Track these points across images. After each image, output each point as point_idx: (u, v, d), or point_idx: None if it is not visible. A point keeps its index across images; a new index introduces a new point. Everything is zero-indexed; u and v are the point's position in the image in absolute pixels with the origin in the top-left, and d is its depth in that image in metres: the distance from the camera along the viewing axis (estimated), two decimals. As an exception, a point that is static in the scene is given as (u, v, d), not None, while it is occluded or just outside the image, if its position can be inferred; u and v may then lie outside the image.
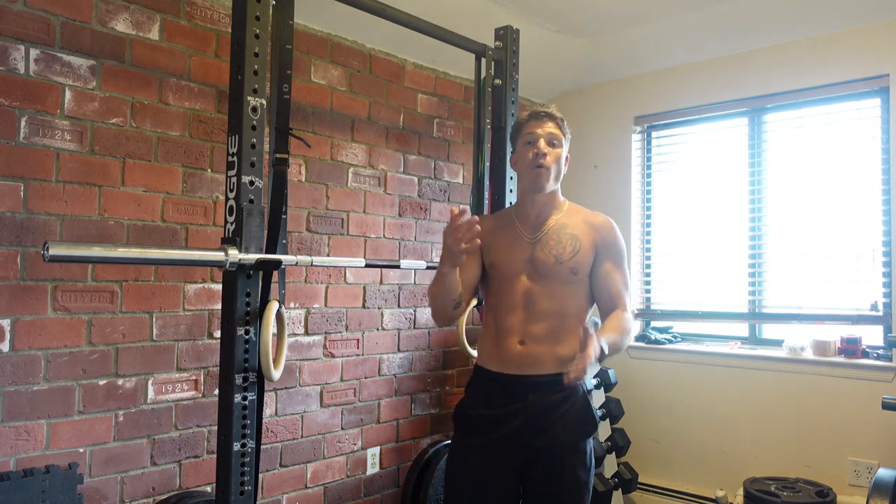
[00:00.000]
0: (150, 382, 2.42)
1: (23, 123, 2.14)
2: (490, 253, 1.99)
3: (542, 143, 1.92)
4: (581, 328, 1.66)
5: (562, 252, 1.92)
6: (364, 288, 3.14)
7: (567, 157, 2.01)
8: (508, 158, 2.09)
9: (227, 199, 1.89)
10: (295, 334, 2.86)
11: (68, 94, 2.24)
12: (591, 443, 1.95)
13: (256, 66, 1.87)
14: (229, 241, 1.85)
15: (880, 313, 3.07)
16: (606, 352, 1.69)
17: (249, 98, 1.86)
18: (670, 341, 3.71)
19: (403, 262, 2.54)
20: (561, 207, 2.02)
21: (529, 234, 1.98)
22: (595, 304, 2.00)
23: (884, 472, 2.58)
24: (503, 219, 2.08)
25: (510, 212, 2.10)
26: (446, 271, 1.82)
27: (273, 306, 1.91)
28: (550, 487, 1.88)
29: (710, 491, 3.40)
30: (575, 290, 1.94)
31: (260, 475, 2.54)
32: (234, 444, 1.83)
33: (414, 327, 3.37)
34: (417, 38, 2.60)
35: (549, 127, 1.94)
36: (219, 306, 2.47)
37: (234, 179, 1.86)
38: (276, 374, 1.93)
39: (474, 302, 2.52)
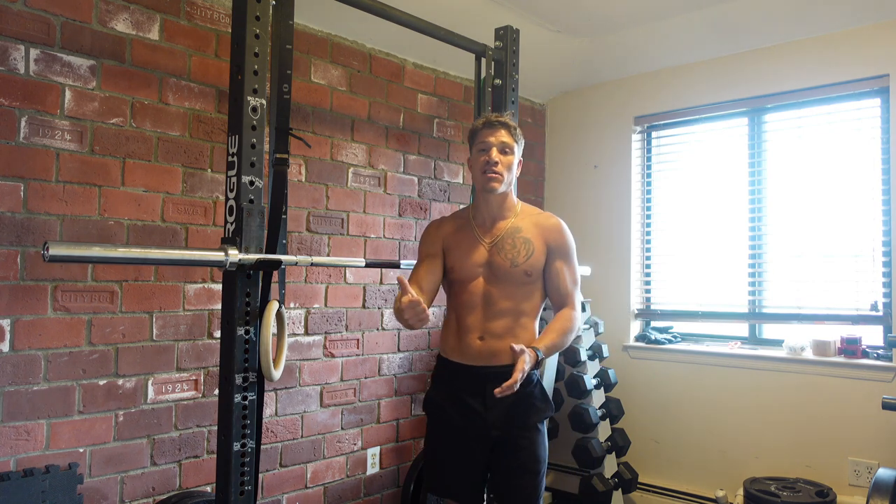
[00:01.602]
0: (150, 382, 2.42)
1: (23, 123, 2.14)
2: (450, 258, 2.14)
3: (493, 151, 2.06)
4: (510, 348, 1.87)
5: (516, 256, 2.07)
6: (364, 288, 3.14)
7: (520, 162, 2.15)
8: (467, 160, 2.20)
9: (227, 199, 1.89)
10: (295, 334, 2.86)
11: (68, 94, 2.24)
12: (546, 424, 2.16)
13: (256, 66, 1.87)
14: (229, 241, 1.85)
15: (880, 313, 3.07)
16: (542, 356, 1.94)
17: (249, 98, 1.86)
18: (670, 341, 3.71)
19: (403, 262, 2.53)
20: (514, 209, 2.16)
21: (486, 238, 2.12)
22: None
23: (884, 472, 2.58)
24: (461, 220, 2.21)
25: (468, 213, 2.22)
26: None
27: (273, 306, 1.92)
28: (515, 462, 2.08)
29: (710, 491, 3.40)
30: (529, 289, 2.10)
31: (260, 475, 2.54)
32: (234, 444, 1.83)
33: (414, 327, 3.36)
34: (417, 38, 2.60)
35: (502, 135, 2.08)
36: (219, 306, 2.47)
37: (234, 179, 1.86)
38: (276, 374, 1.93)
39: None
